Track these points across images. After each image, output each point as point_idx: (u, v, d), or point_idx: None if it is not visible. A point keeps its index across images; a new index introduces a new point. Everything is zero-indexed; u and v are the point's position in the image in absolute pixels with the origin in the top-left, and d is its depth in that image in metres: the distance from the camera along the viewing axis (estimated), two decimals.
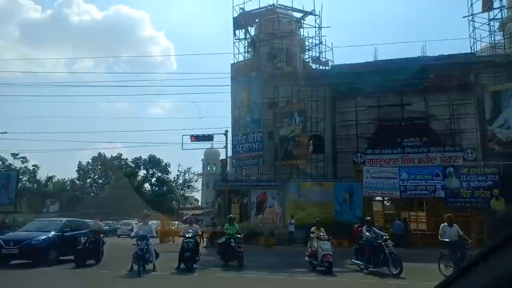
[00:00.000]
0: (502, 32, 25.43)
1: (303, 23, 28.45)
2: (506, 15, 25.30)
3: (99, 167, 76.70)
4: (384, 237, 10.53)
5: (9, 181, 25.72)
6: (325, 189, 22.09)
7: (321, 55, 26.99)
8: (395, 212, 25.51)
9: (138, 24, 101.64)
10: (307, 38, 27.77)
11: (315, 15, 27.61)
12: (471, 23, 25.82)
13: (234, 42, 28.48)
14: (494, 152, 22.26)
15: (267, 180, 23.50)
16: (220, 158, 23.33)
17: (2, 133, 29.73)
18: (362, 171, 21.66)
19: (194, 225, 11.30)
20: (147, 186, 74.11)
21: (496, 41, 25.08)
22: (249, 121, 26.18)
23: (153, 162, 73.61)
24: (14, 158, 50.85)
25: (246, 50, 30.18)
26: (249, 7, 28.16)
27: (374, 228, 11.28)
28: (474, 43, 25.48)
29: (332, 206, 21.58)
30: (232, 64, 27.80)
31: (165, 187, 73.95)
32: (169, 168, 74.92)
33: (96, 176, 76.90)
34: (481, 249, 1.18)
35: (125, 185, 67.31)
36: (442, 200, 20.31)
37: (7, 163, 49.78)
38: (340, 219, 21.03)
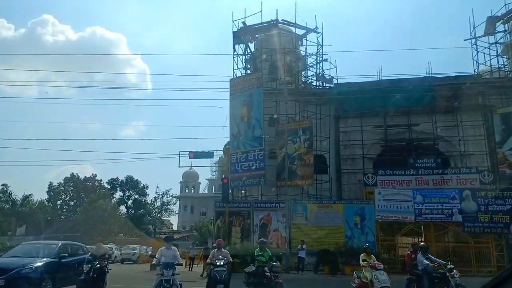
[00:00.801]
0: (505, 56, 25.37)
1: (306, 40, 27.61)
2: (509, 39, 25.34)
3: (71, 188, 72.74)
4: (448, 266, 9.05)
5: None
6: (334, 211, 20.59)
7: (324, 72, 26.07)
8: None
9: (114, 46, 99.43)
10: (309, 55, 26.90)
11: (318, 32, 26.90)
12: (473, 46, 25.74)
13: (233, 57, 27.30)
14: (505, 175, 21.57)
15: (272, 201, 21.80)
16: (222, 177, 21.44)
17: None
18: (374, 193, 20.38)
19: (223, 250, 9.45)
20: (122, 208, 70.49)
21: (500, 65, 24.94)
22: (249, 138, 24.60)
23: (130, 184, 70.26)
24: None
25: (244, 67, 28.98)
26: (249, 22, 27.18)
27: (431, 256, 9.80)
28: (478, 66, 25.26)
29: (342, 230, 20.06)
30: (231, 79, 26.43)
31: (142, 210, 70.48)
32: (147, 190, 71.80)
33: (68, 198, 72.64)
34: None
35: (99, 208, 63.70)
36: (459, 225, 19.21)
37: None
38: (351, 244, 19.52)
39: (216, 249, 9.55)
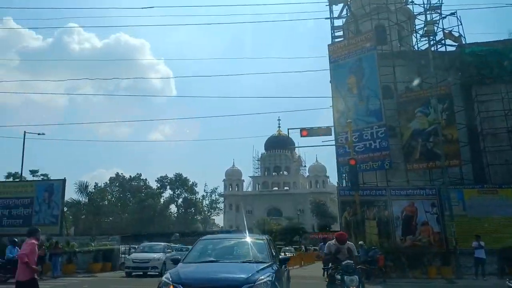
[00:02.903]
0: None
1: None
2: None
3: (117, 188, 70.50)
4: None
5: (52, 194, 19.42)
6: (501, 198, 15.86)
7: (452, 29, 21.20)
8: None
9: (137, 51, 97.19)
10: (430, 11, 22.02)
11: None
12: None
13: (331, 20, 22.96)
14: None
15: (414, 187, 17.23)
16: (348, 158, 16.84)
17: (39, 134, 24.37)
18: None
19: None
20: (172, 207, 67.62)
21: None
22: (362, 112, 20.21)
23: (179, 182, 67.18)
24: (33, 176, 44.63)
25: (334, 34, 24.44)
26: None
27: None
28: None
29: None
30: (329, 45, 22.15)
31: (192, 209, 67.39)
32: (196, 188, 68.62)
33: (114, 198, 70.36)
34: None
35: (149, 207, 61.12)
36: None
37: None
38: None
39: None
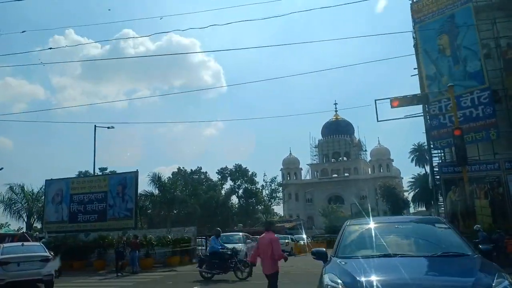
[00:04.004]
0: None
1: None
2: None
3: (180, 181, 71.59)
4: None
5: (125, 188, 18.92)
6: None
7: None
8: None
9: (189, 51, 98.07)
10: None
11: None
12: None
13: None
14: None
15: None
16: (450, 128, 14.24)
17: (109, 127, 24.48)
18: None
19: None
20: (233, 198, 67.42)
21: None
22: (458, 76, 17.42)
23: (239, 172, 66.76)
24: (102, 173, 45.88)
25: None
26: None
27: None
28: None
29: None
30: (412, 4, 19.52)
31: (253, 199, 66.71)
32: (255, 178, 67.86)
33: (178, 192, 71.48)
34: None
35: (212, 199, 61.40)
36: None
37: None
38: None
39: None
